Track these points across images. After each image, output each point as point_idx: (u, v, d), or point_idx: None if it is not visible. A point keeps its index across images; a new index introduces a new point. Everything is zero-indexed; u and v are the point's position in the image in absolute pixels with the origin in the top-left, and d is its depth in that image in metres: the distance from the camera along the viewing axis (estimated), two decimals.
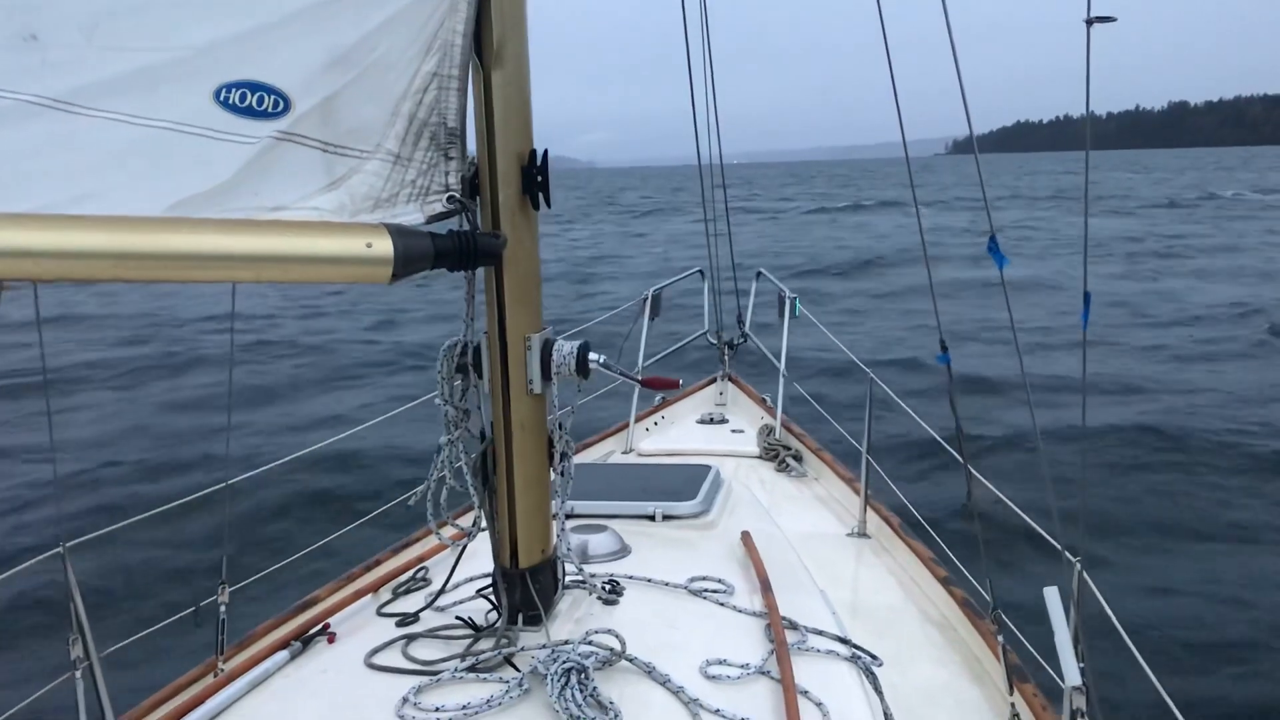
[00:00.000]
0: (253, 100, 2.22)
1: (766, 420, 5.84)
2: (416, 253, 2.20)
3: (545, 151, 2.51)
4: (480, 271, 2.53)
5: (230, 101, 2.21)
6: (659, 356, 6.64)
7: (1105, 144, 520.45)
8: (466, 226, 2.42)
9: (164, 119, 2.15)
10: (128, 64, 2.13)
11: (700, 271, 7.08)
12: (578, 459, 5.20)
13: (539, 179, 2.51)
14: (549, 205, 2.55)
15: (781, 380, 5.88)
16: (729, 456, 5.35)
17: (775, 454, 5.40)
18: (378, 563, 3.55)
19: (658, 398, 6.34)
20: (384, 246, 2.13)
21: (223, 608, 3.15)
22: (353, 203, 2.28)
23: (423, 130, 2.34)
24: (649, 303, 6.42)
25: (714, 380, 6.67)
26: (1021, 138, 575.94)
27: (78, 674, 2.69)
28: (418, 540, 3.71)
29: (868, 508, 4.40)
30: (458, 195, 2.40)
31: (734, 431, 5.90)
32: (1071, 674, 2.43)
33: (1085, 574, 2.57)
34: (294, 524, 7.75)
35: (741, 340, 6.77)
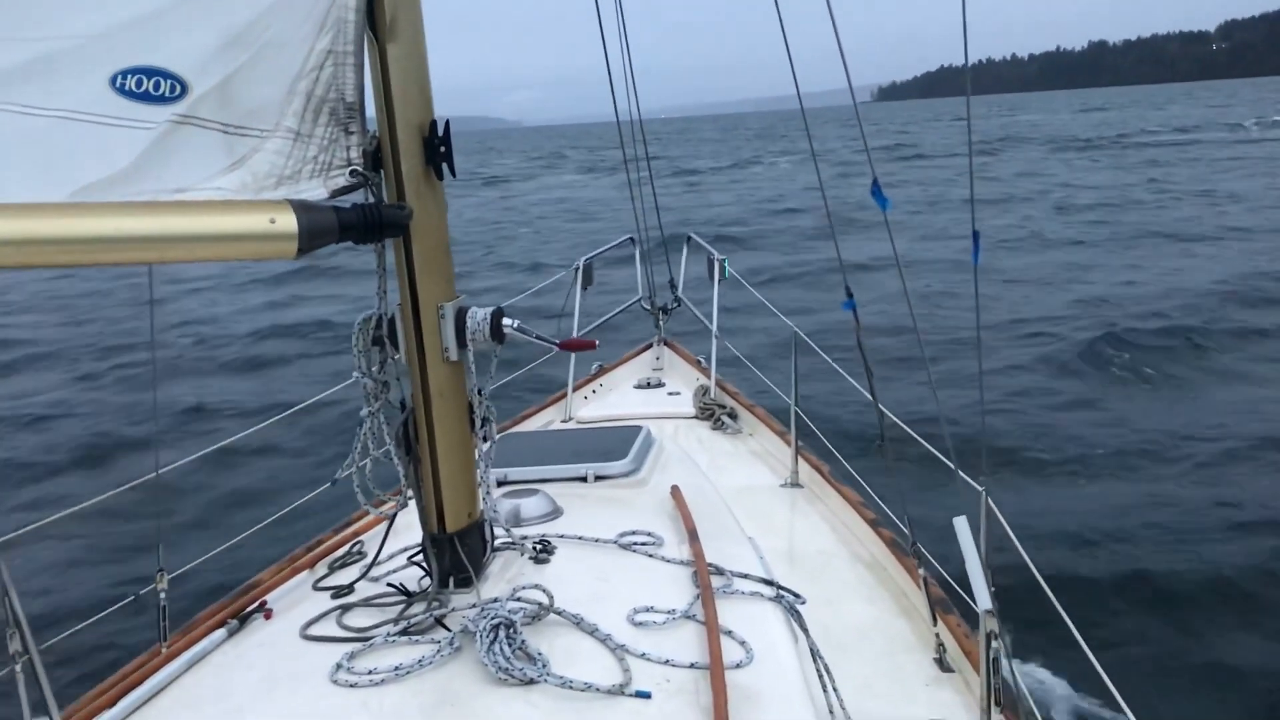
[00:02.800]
0: (149, 85, 2.23)
1: (702, 381, 5.96)
2: (320, 226, 2.24)
3: (447, 122, 2.55)
4: (390, 243, 2.56)
5: (127, 88, 2.21)
6: (594, 325, 6.73)
7: (1027, 86, 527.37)
8: (371, 199, 2.45)
9: (61, 108, 2.16)
10: (21, 54, 2.12)
11: (631, 238, 7.14)
12: (518, 429, 5.29)
13: (442, 149, 2.55)
14: (454, 175, 2.59)
15: (714, 341, 5.99)
16: (667, 419, 5.46)
17: (711, 413, 5.54)
18: (319, 543, 3.59)
19: (594, 365, 6.44)
20: (287, 222, 2.17)
21: (162, 595, 3.17)
22: (255, 182, 2.31)
23: (321, 106, 2.37)
24: (580, 272, 6.47)
25: (650, 345, 6.78)
26: (945, 83, 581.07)
27: (18, 668, 2.70)
28: (359, 518, 3.75)
29: (799, 458, 4.53)
30: (360, 169, 2.43)
31: (670, 394, 6.02)
32: (983, 599, 2.54)
33: (990, 501, 2.69)
34: (233, 508, 7.75)
35: (675, 304, 6.86)
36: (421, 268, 2.58)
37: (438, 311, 2.61)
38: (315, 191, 2.38)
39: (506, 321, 2.67)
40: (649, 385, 6.21)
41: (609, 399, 6.02)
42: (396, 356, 2.68)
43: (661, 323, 6.76)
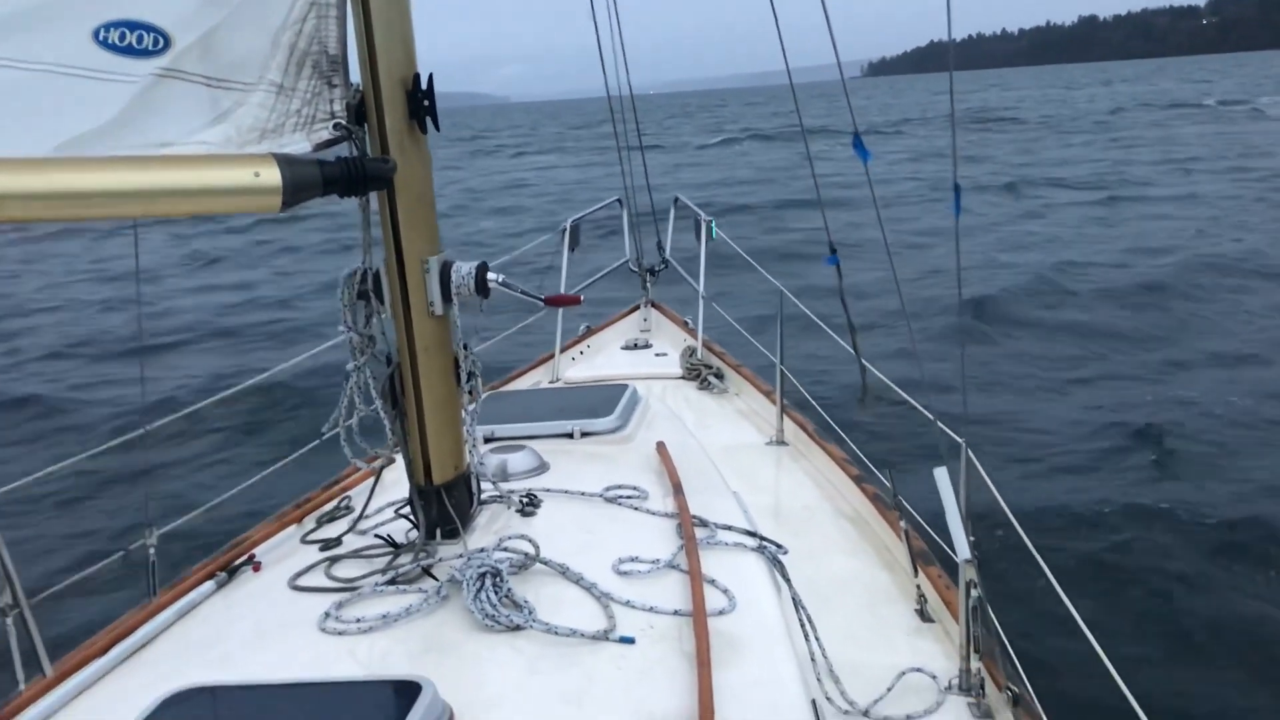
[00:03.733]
0: (132, 39, 2.24)
1: (689, 342, 6.00)
2: (305, 180, 2.25)
3: (430, 75, 2.56)
4: (374, 198, 2.58)
5: (110, 41, 2.22)
6: (580, 287, 6.74)
7: (1017, 60, 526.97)
8: (355, 153, 2.46)
9: (43, 62, 2.16)
10: (2, 7, 2.13)
11: (618, 200, 7.15)
12: (506, 389, 5.32)
13: (425, 103, 2.56)
14: (437, 128, 2.60)
15: (701, 302, 6.02)
16: (654, 379, 5.49)
17: (697, 373, 5.58)
18: (307, 500, 3.62)
19: (582, 327, 6.48)
20: (271, 176, 2.18)
21: (151, 550, 3.20)
22: (239, 135, 2.32)
23: (304, 59, 2.38)
24: (568, 233, 6.48)
25: (637, 307, 6.81)
26: (935, 58, 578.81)
27: (9, 621, 2.73)
28: (346, 475, 3.77)
29: (785, 416, 4.58)
30: (344, 122, 2.45)
31: (658, 355, 6.06)
32: (962, 548, 2.58)
33: (971, 453, 2.72)
34: (222, 465, 7.81)
35: (662, 266, 6.87)
36: (406, 222, 2.59)
37: (422, 266, 2.63)
38: (299, 145, 2.40)
39: (491, 276, 2.69)
40: (636, 346, 6.25)
41: (596, 360, 6.06)
42: (382, 311, 2.70)
43: (649, 284, 6.79)
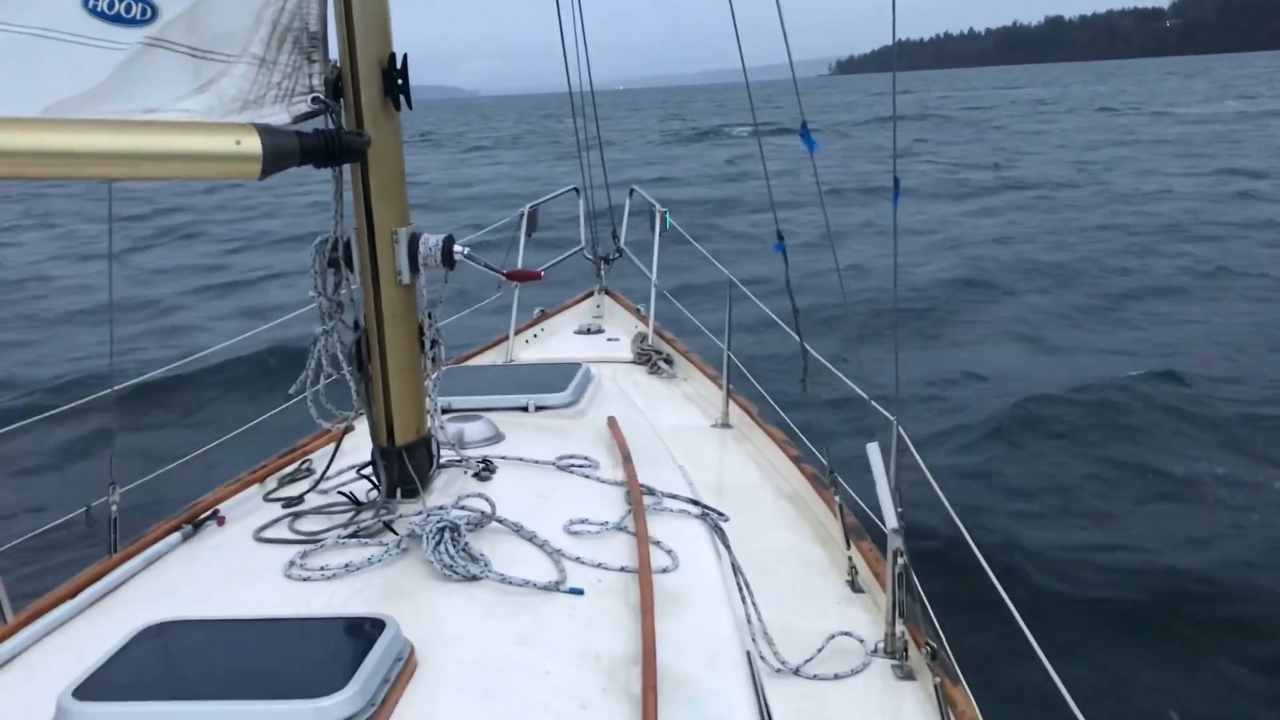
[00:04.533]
0: (120, 7, 2.34)
1: (640, 328, 6.13)
2: (283, 149, 2.37)
3: (405, 55, 2.69)
4: (347, 169, 2.71)
5: (99, 9, 2.33)
6: (541, 267, 6.82)
7: (984, 60, 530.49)
8: (332, 126, 2.59)
9: (33, 25, 2.26)
10: None
11: (575, 189, 7.25)
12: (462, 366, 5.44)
13: (400, 82, 2.69)
14: (410, 107, 2.73)
15: (653, 290, 6.15)
16: (606, 363, 5.62)
17: (648, 358, 5.71)
18: (264, 466, 3.72)
19: (536, 311, 6.59)
20: (252, 144, 2.30)
21: (114, 508, 3.29)
22: (222, 105, 2.44)
23: (286, 35, 2.50)
24: (525, 219, 6.59)
25: (591, 293, 6.93)
26: (903, 57, 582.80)
27: None
28: (307, 442, 3.89)
29: (730, 400, 4.74)
30: (322, 96, 2.57)
31: (610, 340, 6.18)
32: (890, 518, 2.75)
33: (901, 429, 2.89)
34: (186, 426, 7.87)
35: (617, 255, 7.00)
36: (377, 194, 2.72)
37: (392, 236, 2.76)
38: (278, 116, 2.52)
39: (457, 248, 2.83)
40: (589, 331, 6.36)
41: (549, 343, 6.17)
42: (352, 280, 2.82)
43: (603, 272, 6.91)
